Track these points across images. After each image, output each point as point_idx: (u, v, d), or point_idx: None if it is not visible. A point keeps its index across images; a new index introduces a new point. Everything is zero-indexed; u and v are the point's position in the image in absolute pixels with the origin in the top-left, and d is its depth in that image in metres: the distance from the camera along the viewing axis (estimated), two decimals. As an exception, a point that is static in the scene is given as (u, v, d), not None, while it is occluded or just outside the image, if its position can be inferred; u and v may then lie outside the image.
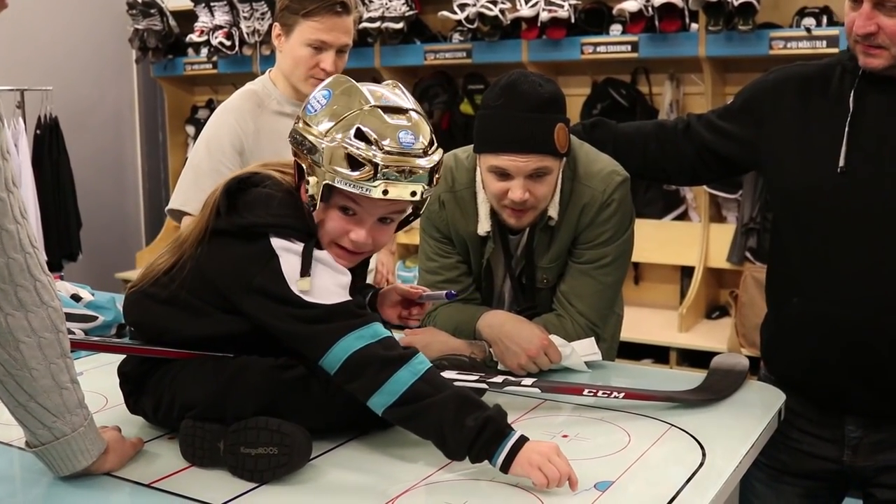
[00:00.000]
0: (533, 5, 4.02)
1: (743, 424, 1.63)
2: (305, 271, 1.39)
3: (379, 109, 1.41)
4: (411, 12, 4.37)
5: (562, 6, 3.98)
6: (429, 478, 1.38)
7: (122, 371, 1.56)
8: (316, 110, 1.44)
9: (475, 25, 4.18)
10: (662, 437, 1.56)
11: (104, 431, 1.39)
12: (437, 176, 1.45)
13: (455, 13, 4.19)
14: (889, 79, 1.70)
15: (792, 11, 3.75)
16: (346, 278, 1.46)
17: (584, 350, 1.93)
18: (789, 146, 1.82)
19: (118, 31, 5.35)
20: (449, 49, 4.38)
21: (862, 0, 1.65)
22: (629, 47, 3.95)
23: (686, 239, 4.11)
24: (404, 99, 1.46)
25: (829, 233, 1.75)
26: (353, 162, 1.39)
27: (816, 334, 1.79)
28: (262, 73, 2.53)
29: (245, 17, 4.79)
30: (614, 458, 1.46)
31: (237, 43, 4.88)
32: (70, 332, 1.35)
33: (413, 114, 1.44)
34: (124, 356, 1.58)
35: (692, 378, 1.87)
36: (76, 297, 2.19)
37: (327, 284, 1.41)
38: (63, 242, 4.86)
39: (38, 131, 4.83)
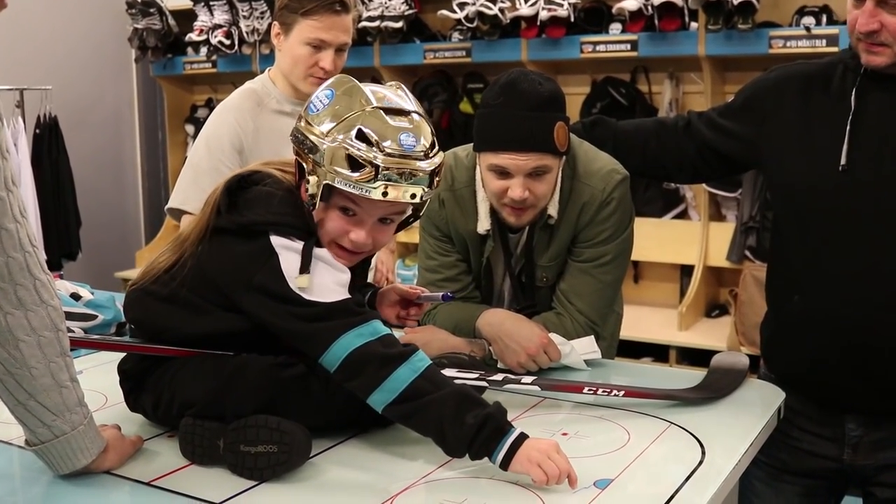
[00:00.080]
0: (532, 4, 4.02)
1: (742, 423, 1.63)
2: (305, 269, 1.39)
3: (381, 111, 1.41)
4: (411, 11, 4.37)
5: (561, 5, 3.98)
6: (429, 475, 1.39)
7: (122, 369, 1.57)
8: (318, 110, 1.44)
9: (474, 24, 4.18)
10: (662, 435, 1.56)
11: (104, 430, 1.39)
12: (437, 179, 1.45)
13: (454, 12, 4.19)
14: (891, 77, 1.70)
15: (791, 10, 3.75)
16: (346, 276, 1.46)
17: (583, 348, 1.93)
18: (790, 144, 1.81)
19: (117, 30, 5.35)
20: (448, 48, 4.38)
21: None
22: (629, 46, 3.94)
23: (686, 237, 4.11)
24: (407, 101, 1.46)
25: (829, 231, 1.75)
26: (354, 163, 1.38)
27: (817, 332, 1.79)
28: (262, 71, 2.53)
29: (244, 16, 4.79)
30: (614, 456, 1.46)
31: (236, 42, 4.88)
32: (70, 330, 1.35)
33: (415, 116, 1.44)
34: (124, 354, 1.58)
35: (692, 376, 1.87)
36: (76, 296, 2.19)
37: (327, 282, 1.41)
38: (63, 241, 4.86)
39: (37, 130, 4.83)
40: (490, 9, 4.09)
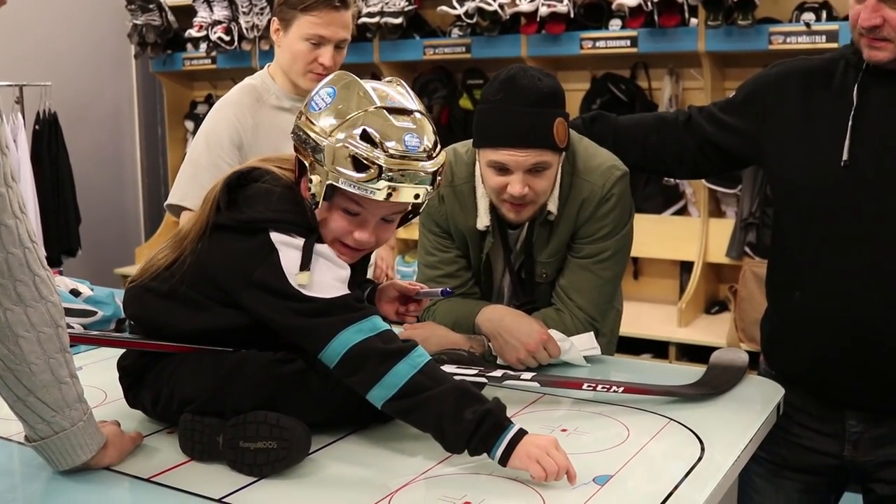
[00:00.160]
0: (532, 0, 4.02)
1: (742, 419, 1.63)
2: (305, 266, 1.39)
3: (384, 110, 1.41)
4: (410, 7, 4.37)
5: (561, 1, 3.98)
6: (428, 471, 1.39)
7: (122, 365, 1.57)
8: (320, 108, 1.44)
9: (474, 20, 4.18)
10: (661, 431, 1.56)
11: (103, 426, 1.39)
12: (440, 178, 1.45)
13: (454, 8, 4.19)
14: (893, 72, 1.69)
15: (791, 6, 3.75)
16: (346, 272, 1.46)
17: (583, 345, 1.93)
18: (792, 140, 1.81)
19: (117, 26, 5.35)
20: (448, 44, 4.38)
21: None
22: (628, 42, 3.95)
23: (685, 234, 4.11)
24: (409, 99, 1.46)
25: (831, 227, 1.75)
26: (358, 164, 1.38)
27: (818, 329, 1.78)
28: (261, 67, 2.53)
29: (244, 12, 4.79)
30: (613, 452, 1.46)
31: (236, 38, 4.88)
32: (69, 326, 1.35)
33: (417, 115, 1.44)
34: (123, 351, 1.58)
35: (691, 373, 1.87)
36: (75, 292, 2.18)
37: (326, 278, 1.41)
38: (62, 238, 4.86)
39: (36, 127, 4.83)
40: (490, 5, 4.09)
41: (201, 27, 4.96)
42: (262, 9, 4.71)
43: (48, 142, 4.83)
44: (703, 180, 3.96)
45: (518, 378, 1.71)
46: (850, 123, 1.72)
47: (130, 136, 5.69)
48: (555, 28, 4.04)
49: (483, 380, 1.67)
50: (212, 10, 4.94)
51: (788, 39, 3.59)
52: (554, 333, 1.91)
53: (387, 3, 4.36)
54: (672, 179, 4.12)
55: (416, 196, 1.42)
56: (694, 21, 3.80)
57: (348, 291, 1.42)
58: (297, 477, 1.37)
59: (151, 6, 5.10)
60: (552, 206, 1.95)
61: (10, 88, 4.62)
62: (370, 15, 4.35)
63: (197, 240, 1.48)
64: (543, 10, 3.99)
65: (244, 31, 4.80)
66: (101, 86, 5.47)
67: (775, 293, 1.94)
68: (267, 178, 1.49)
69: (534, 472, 1.31)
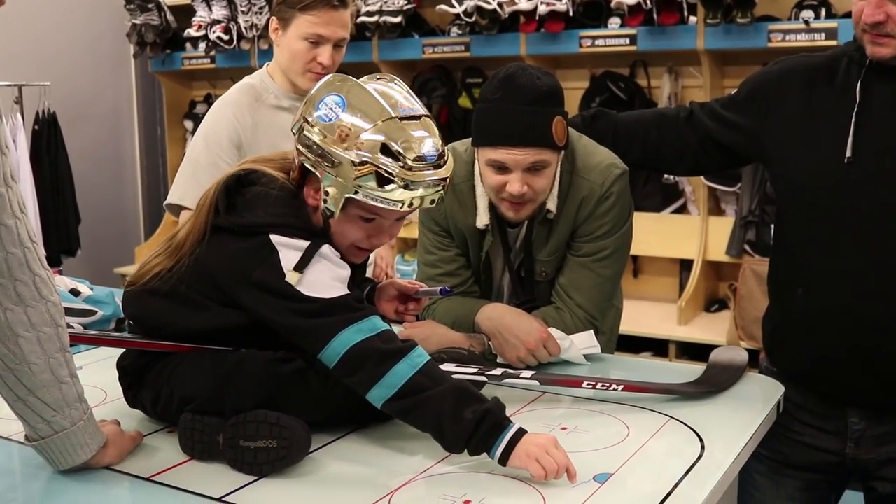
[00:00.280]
0: (531, -2, 4.02)
1: (742, 416, 1.63)
2: (301, 266, 1.39)
3: (399, 120, 1.41)
4: (409, 6, 4.37)
5: (560, -1, 3.98)
6: (428, 470, 1.39)
7: (121, 365, 1.57)
8: (331, 119, 1.42)
9: (473, 19, 4.18)
10: (661, 429, 1.56)
11: (103, 425, 1.39)
12: (448, 178, 1.46)
13: (453, 7, 4.19)
14: None
15: (790, 4, 3.74)
16: (346, 272, 1.46)
17: (582, 343, 1.93)
18: (795, 137, 1.80)
19: (116, 25, 5.34)
20: (447, 43, 4.38)
21: None
22: (627, 40, 3.94)
23: (685, 232, 4.11)
24: (412, 100, 1.46)
25: (834, 223, 1.74)
26: (381, 178, 1.39)
27: (821, 326, 1.78)
28: (260, 67, 2.52)
29: (243, 12, 4.79)
30: (613, 451, 1.46)
31: (235, 37, 4.88)
32: (69, 326, 1.35)
33: (425, 119, 1.45)
34: (123, 350, 1.58)
35: (691, 371, 1.87)
36: (75, 292, 2.18)
37: (326, 278, 1.41)
38: (62, 237, 4.86)
39: (36, 127, 4.83)
40: (489, 3, 4.09)
41: (200, 27, 4.95)
42: (260, 8, 4.71)
43: (47, 141, 4.83)
44: (702, 178, 3.96)
45: (518, 376, 1.71)
46: (853, 120, 1.71)
47: (130, 135, 5.69)
48: (554, 26, 4.04)
49: (483, 378, 1.67)
50: (211, 10, 4.94)
51: (787, 37, 3.59)
52: (554, 332, 1.91)
53: (386, 2, 4.35)
54: (672, 177, 4.12)
55: (433, 202, 1.44)
56: (693, 19, 3.80)
57: (348, 291, 1.42)
58: (297, 476, 1.37)
59: (150, 6, 5.10)
60: (551, 205, 1.95)
61: (10, 88, 4.62)
62: (369, 14, 4.35)
63: (194, 248, 1.48)
64: (542, 9, 3.99)
65: (243, 30, 4.80)
66: (100, 85, 5.47)
67: (777, 290, 1.94)
68: (263, 181, 1.49)
69: (533, 470, 1.31)
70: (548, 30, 4.06)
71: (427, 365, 1.38)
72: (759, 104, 1.88)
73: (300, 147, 1.45)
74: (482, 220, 2.00)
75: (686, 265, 4.21)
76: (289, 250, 1.41)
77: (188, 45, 5.18)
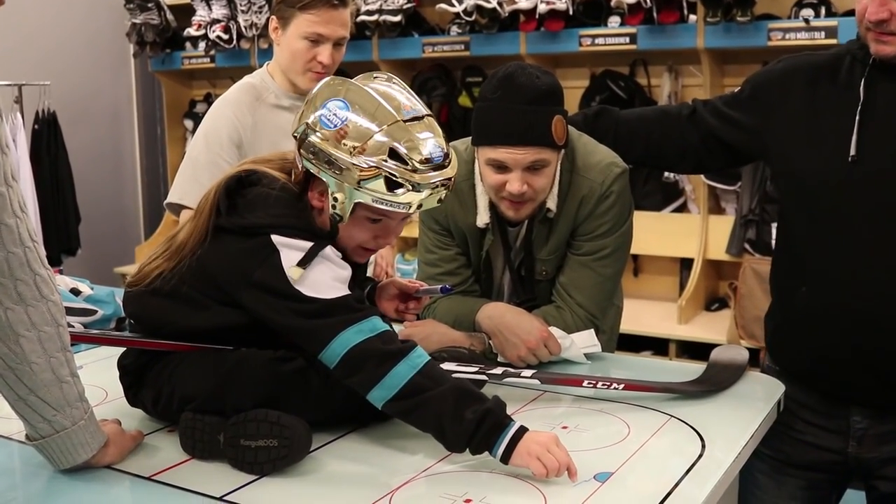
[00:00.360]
0: (530, -3, 4.02)
1: (742, 415, 1.63)
2: (304, 263, 1.39)
3: (404, 123, 1.41)
4: (409, 5, 4.37)
5: (560, -2, 3.98)
6: (429, 469, 1.39)
7: (122, 364, 1.57)
8: (336, 125, 1.41)
9: (473, 18, 4.18)
10: (662, 428, 1.56)
11: (104, 424, 1.39)
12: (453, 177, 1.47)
13: (453, 5, 4.19)
14: None
15: (790, 2, 3.74)
16: (347, 272, 1.46)
17: (583, 342, 1.93)
18: (798, 136, 1.80)
19: (115, 25, 5.34)
20: (447, 42, 4.38)
21: None
22: (627, 39, 3.94)
23: (685, 231, 4.11)
24: (412, 99, 1.46)
25: (838, 222, 1.73)
26: (390, 183, 1.39)
27: (824, 324, 1.77)
28: (260, 66, 2.52)
29: (242, 11, 4.78)
30: (614, 450, 1.46)
31: (235, 36, 4.88)
32: (70, 325, 1.35)
33: (428, 119, 1.45)
34: (124, 349, 1.58)
35: (692, 370, 1.87)
36: (75, 292, 2.19)
37: (327, 279, 1.41)
38: (62, 237, 4.86)
39: (36, 126, 4.83)
40: (489, 2, 4.09)
41: (200, 26, 4.95)
42: (260, 7, 4.71)
43: (47, 141, 4.83)
44: (702, 177, 3.96)
45: (518, 375, 1.71)
46: (857, 119, 1.71)
47: (129, 135, 5.69)
48: (553, 25, 4.04)
49: (483, 377, 1.67)
50: (210, 9, 4.94)
51: (787, 36, 3.59)
52: (554, 331, 1.91)
53: (385, 1, 4.36)
54: (672, 176, 4.12)
55: (440, 201, 1.44)
56: (693, 18, 3.80)
57: (349, 292, 1.43)
58: (297, 475, 1.37)
59: (150, 5, 5.10)
60: (551, 204, 1.95)
61: (10, 88, 4.62)
62: (369, 13, 4.35)
63: (195, 248, 1.48)
64: (542, 8, 3.99)
65: (243, 29, 4.80)
66: (100, 85, 5.47)
67: (780, 289, 1.93)
68: (264, 182, 1.49)
69: (535, 469, 1.31)
70: (547, 28, 4.06)
71: (427, 365, 1.38)
72: (762, 102, 1.88)
73: (304, 152, 1.44)
74: (482, 219, 2.00)
75: (686, 264, 4.21)
76: (290, 251, 1.41)
77: (188, 45, 5.18)
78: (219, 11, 4.90)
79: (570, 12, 4.02)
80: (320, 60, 2.32)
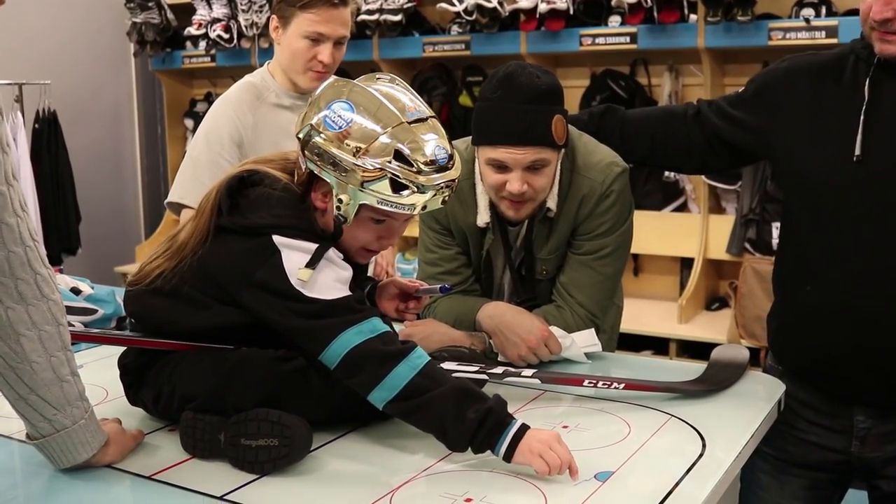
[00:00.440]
0: (531, -3, 4.02)
1: (743, 415, 1.63)
2: (311, 265, 1.40)
3: (408, 125, 1.41)
4: (409, 4, 4.36)
5: (560, -3, 3.98)
6: (429, 468, 1.39)
7: (122, 363, 1.57)
8: (340, 126, 1.41)
9: (473, 17, 4.18)
10: (662, 427, 1.56)
11: (105, 424, 1.40)
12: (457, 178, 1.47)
13: (453, 5, 4.19)
14: None
15: (791, 2, 3.74)
16: (348, 273, 1.46)
17: (584, 341, 1.93)
18: (802, 135, 1.79)
19: (116, 24, 5.34)
20: (447, 41, 4.38)
21: None
22: (628, 39, 3.94)
23: (685, 230, 4.11)
24: (416, 101, 1.46)
25: (843, 221, 1.73)
26: (396, 184, 1.39)
27: (829, 324, 1.76)
28: (261, 65, 2.52)
29: (243, 10, 4.78)
30: (614, 449, 1.46)
31: (235, 36, 4.88)
32: (70, 324, 1.35)
33: (432, 120, 1.45)
34: (124, 349, 1.58)
35: (692, 369, 1.87)
36: (76, 291, 2.19)
37: (328, 279, 1.41)
38: (62, 236, 4.86)
39: (36, 125, 4.83)
40: (489, 2, 4.09)
41: (200, 25, 4.95)
42: (261, 6, 4.71)
43: (48, 140, 4.83)
44: (702, 176, 3.96)
45: (519, 375, 1.71)
46: (861, 119, 1.70)
47: (130, 134, 5.69)
48: (554, 25, 4.04)
49: (484, 377, 1.67)
50: (211, 8, 4.94)
51: (788, 35, 3.59)
52: (555, 330, 1.91)
53: (386, 1, 4.35)
54: (672, 175, 4.12)
55: (443, 201, 1.44)
56: (693, 17, 3.79)
57: (349, 293, 1.43)
58: (298, 474, 1.37)
59: (150, 4, 5.10)
60: (552, 203, 1.95)
61: (10, 87, 4.62)
62: (369, 12, 4.35)
63: (197, 248, 1.48)
64: (543, 7, 3.99)
65: (243, 28, 4.80)
66: (100, 84, 5.47)
67: (784, 288, 1.92)
68: (266, 182, 1.49)
69: (537, 466, 1.31)
70: (548, 28, 4.06)
71: (427, 366, 1.38)
72: (766, 102, 1.88)
73: (308, 153, 1.44)
74: (483, 218, 2.00)
75: (687, 263, 4.21)
76: (291, 251, 1.41)
77: (188, 44, 5.19)
78: (219, 10, 4.90)
79: (571, 12, 4.02)
80: (321, 59, 2.32)
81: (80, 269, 4.52)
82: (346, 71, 2.61)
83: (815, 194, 1.78)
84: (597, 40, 4.00)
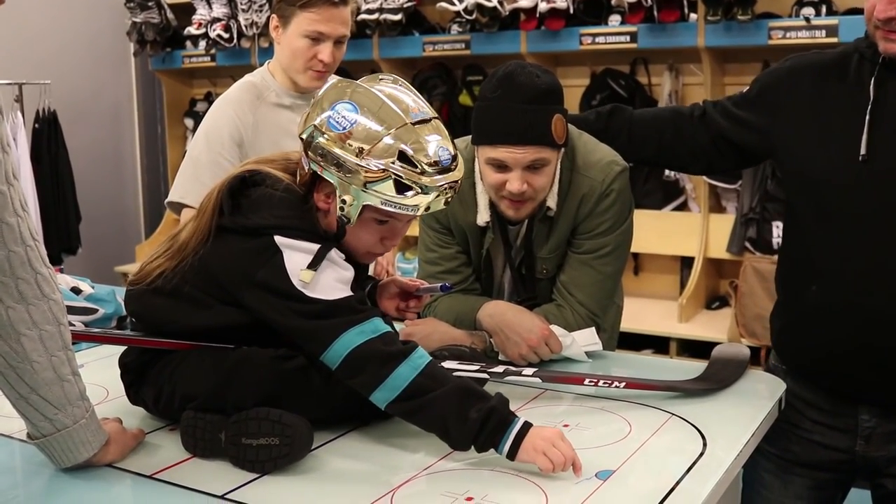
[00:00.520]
0: (531, -4, 4.02)
1: (744, 414, 1.63)
2: (313, 266, 1.40)
3: (413, 126, 1.41)
4: (409, 3, 4.36)
5: (560, -3, 3.98)
6: (430, 467, 1.39)
7: (123, 362, 1.57)
8: (344, 127, 1.41)
9: (473, 16, 4.18)
10: (663, 426, 1.56)
11: (105, 423, 1.40)
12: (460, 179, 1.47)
13: (453, 4, 4.19)
14: None
15: (791, 1, 3.74)
16: (349, 274, 1.46)
17: (584, 340, 1.93)
18: (807, 134, 1.79)
19: (116, 24, 5.34)
20: (447, 40, 4.37)
21: None
22: (628, 38, 3.94)
23: (686, 229, 4.11)
24: (419, 101, 1.46)
25: (849, 221, 1.72)
26: (400, 186, 1.39)
27: (834, 323, 1.76)
28: (261, 65, 2.52)
29: (243, 10, 4.78)
30: (615, 448, 1.46)
31: (235, 35, 4.88)
32: (70, 324, 1.35)
33: (435, 121, 1.45)
34: (125, 348, 1.58)
35: (692, 368, 1.87)
36: (76, 290, 2.19)
37: (329, 280, 1.41)
38: (62, 236, 4.86)
39: (36, 125, 4.83)
40: (489, 1, 4.08)
41: (200, 25, 4.95)
42: (261, 6, 4.71)
43: (48, 140, 4.83)
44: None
45: (520, 374, 1.71)
46: (867, 118, 1.69)
47: (130, 134, 5.69)
48: (554, 24, 4.04)
49: (485, 376, 1.66)
50: (211, 8, 4.94)
51: (788, 34, 3.59)
52: (555, 329, 1.91)
53: (386, 0, 4.35)
54: (672, 175, 4.12)
55: (447, 202, 1.44)
56: (693, 16, 3.80)
57: (351, 293, 1.42)
58: (299, 473, 1.37)
59: (150, 4, 5.10)
60: (552, 203, 1.95)
61: (10, 87, 4.62)
62: (369, 11, 4.35)
63: (198, 248, 1.48)
64: (543, 6, 3.99)
65: (243, 28, 4.80)
66: (100, 84, 5.47)
67: (788, 287, 1.92)
68: (268, 182, 1.49)
69: (541, 464, 1.31)
70: (548, 27, 4.06)
71: (429, 366, 1.38)
72: (769, 102, 1.87)
73: (312, 154, 1.44)
74: (483, 217, 2.00)
75: (687, 262, 4.21)
76: (293, 252, 1.41)
77: (188, 44, 5.19)
78: (219, 10, 4.90)
79: (571, 11, 4.02)
80: (321, 59, 2.32)
81: (81, 269, 4.53)
82: (347, 70, 2.61)
83: (819, 194, 1.77)
84: (597, 39, 4.00)
